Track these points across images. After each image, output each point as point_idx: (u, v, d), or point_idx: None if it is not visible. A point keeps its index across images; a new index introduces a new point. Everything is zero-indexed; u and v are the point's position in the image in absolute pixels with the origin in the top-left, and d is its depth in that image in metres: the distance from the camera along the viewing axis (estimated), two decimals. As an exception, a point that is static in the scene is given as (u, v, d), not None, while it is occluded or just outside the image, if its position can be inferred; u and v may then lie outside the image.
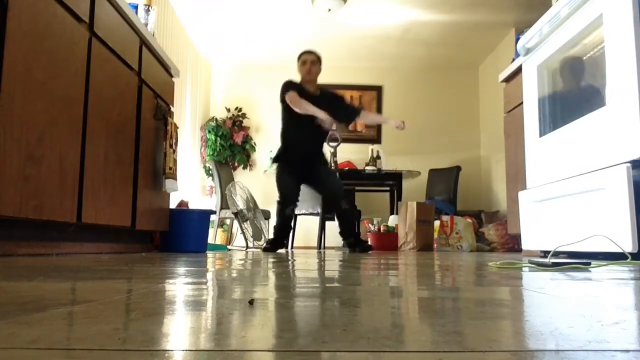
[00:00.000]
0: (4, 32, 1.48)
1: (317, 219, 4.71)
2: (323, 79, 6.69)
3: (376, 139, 6.41)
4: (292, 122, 3.61)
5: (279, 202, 3.65)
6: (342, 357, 0.33)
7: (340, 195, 3.58)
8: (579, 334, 0.42)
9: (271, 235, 3.76)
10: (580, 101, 2.45)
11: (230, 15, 5.17)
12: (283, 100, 3.56)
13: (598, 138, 2.16)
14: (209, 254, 2.60)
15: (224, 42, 5.89)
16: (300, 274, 1.18)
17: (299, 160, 3.62)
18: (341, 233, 3.62)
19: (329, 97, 3.72)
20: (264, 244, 3.59)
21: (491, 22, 5.29)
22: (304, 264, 1.64)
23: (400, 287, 0.86)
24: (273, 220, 5.66)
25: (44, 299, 0.61)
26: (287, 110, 3.58)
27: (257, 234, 4.51)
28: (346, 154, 5.97)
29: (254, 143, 6.44)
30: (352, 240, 3.54)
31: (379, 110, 6.59)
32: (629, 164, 1.96)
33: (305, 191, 4.66)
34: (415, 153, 6.46)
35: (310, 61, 3.65)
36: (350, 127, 6.48)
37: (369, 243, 3.58)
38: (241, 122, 6.41)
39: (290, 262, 1.76)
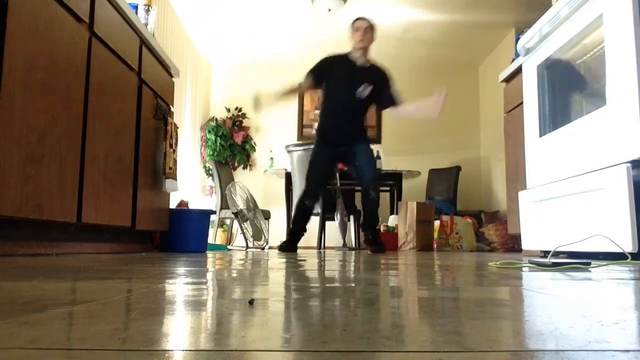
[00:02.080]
0: (4, 32, 1.48)
1: (317, 219, 4.71)
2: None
3: (376, 139, 6.40)
4: (325, 99, 3.53)
5: (303, 191, 3.56)
6: (342, 357, 0.33)
7: (369, 182, 3.46)
8: (579, 334, 0.42)
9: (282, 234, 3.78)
10: (580, 101, 2.46)
11: (230, 15, 5.17)
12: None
13: (598, 138, 2.16)
14: (209, 254, 2.60)
15: (224, 42, 5.89)
16: (300, 274, 1.18)
17: (334, 140, 3.50)
18: (362, 225, 3.58)
19: (375, 75, 3.54)
20: (281, 243, 3.52)
21: (491, 22, 5.29)
22: (304, 264, 1.64)
23: (400, 287, 0.86)
24: (273, 220, 5.69)
25: (44, 299, 0.61)
26: (322, 89, 3.55)
27: (257, 234, 4.51)
28: (346, 154, 5.96)
29: (254, 143, 6.44)
30: (370, 235, 3.48)
31: (378, 110, 6.57)
32: (629, 164, 1.96)
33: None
34: (415, 153, 6.46)
35: (363, 28, 3.47)
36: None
37: (382, 244, 3.53)
38: (241, 122, 6.41)
39: (289, 262, 1.76)
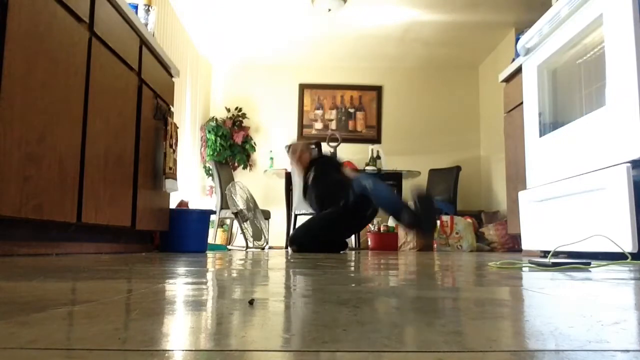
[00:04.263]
0: (4, 32, 1.48)
1: (317, 219, 4.70)
2: (324, 79, 6.66)
3: (376, 139, 6.41)
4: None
5: None
6: (342, 357, 0.33)
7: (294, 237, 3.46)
8: (579, 334, 0.42)
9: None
10: (580, 101, 2.45)
11: (230, 15, 5.17)
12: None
13: (598, 138, 2.16)
14: (209, 254, 2.60)
15: (224, 42, 5.89)
16: (300, 274, 1.18)
17: None
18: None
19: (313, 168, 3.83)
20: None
21: (491, 22, 5.29)
22: (304, 264, 1.64)
23: (400, 287, 0.86)
24: (273, 220, 5.69)
25: (44, 299, 0.61)
26: None
27: (257, 234, 4.51)
28: (346, 154, 5.98)
29: (254, 143, 6.44)
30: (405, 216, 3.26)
31: (379, 110, 6.57)
32: (629, 164, 1.96)
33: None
34: (415, 153, 6.46)
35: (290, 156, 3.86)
36: (351, 127, 6.49)
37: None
38: (241, 122, 6.41)
39: (289, 263, 1.76)
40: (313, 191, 3.69)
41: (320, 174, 3.74)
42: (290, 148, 3.90)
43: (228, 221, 5.69)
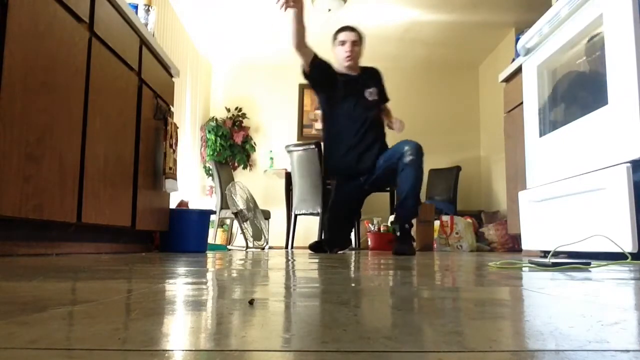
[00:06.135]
0: (4, 32, 1.48)
1: (317, 219, 4.71)
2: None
3: (376, 139, 6.40)
4: (330, 123, 3.01)
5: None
6: (342, 357, 0.33)
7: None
8: (579, 334, 0.42)
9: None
10: (580, 101, 2.45)
11: (230, 15, 5.17)
12: (309, 78, 2.94)
13: (598, 138, 2.16)
14: (209, 254, 2.60)
15: (224, 42, 5.89)
16: (300, 274, 1.18)
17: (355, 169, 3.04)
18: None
19: (372, 75, 3.20)
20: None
21: (491, 22, 5.29)
22: (304, 264, 1.64)
23: (400, 287, 0.86)
24: (273, 220, 5.69)
25: (44, 299, 0.61)
26: (324, 101, 3.02)
27: (257, 234, 4.51)
28: (346, 154, 5.97)
29: (254, 143, 6.44)
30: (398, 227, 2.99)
31: (379, 110, 6.56)
32: (629, 164, 1.96)
33: (305, 191, 4.66)
34: (415, 153, 6.44)
35: (350, 41, 3.02)
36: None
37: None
38: (241, 122, 6.41)
39: (289, 263, 1.76)
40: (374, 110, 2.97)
41: (382, 95, 3.06)
42: (359, 34, 3.07)
43: (228, 221, 5.70)
